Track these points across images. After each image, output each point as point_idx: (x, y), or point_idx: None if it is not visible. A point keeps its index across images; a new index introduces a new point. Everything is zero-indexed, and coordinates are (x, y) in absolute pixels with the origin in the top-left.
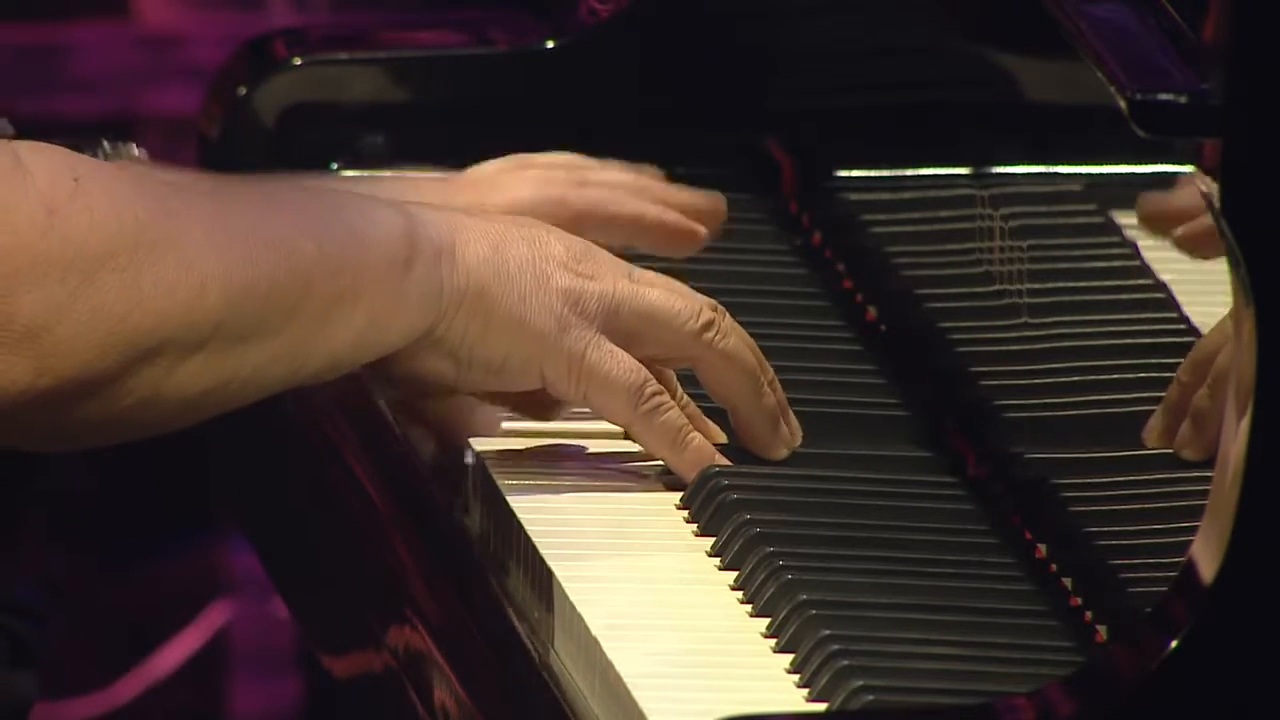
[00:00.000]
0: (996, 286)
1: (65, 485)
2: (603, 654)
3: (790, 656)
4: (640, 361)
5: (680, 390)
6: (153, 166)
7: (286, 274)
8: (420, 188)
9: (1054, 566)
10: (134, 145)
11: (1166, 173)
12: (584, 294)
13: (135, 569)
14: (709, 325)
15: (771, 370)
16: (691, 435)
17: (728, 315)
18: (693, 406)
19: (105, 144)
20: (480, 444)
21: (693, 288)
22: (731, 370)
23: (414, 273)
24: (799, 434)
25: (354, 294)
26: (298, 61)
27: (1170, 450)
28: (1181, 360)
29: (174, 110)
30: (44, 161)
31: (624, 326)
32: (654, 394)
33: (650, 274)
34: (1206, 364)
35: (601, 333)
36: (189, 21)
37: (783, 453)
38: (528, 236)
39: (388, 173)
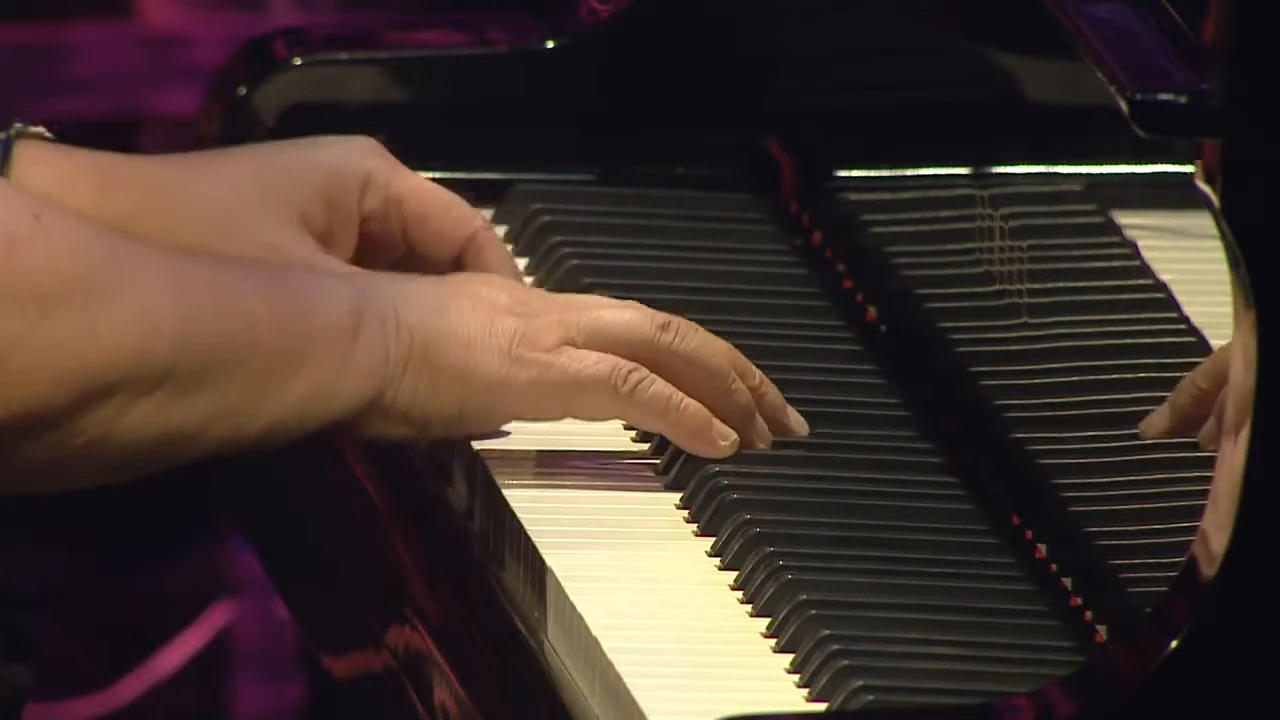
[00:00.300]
0: (996, 286)
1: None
2: (603, 654)
3: (790, 656)
4: None
5: (759, 374)
6: (63, 149)
7: (235, 329)
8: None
9: (1054, 566)
10: (42, 129)
11: (1166, 173)
12: (533, 329)
13: (137, 569)
14: (665, 328)
15: (757, 373)
16: (684, 403)
17: (685, 322)
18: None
19: (16, 125)
20: (480, 444)
21: (690, 288)
22: (695, 370)
23: (359, 341)
24: (803, 426)
25: (300, 357)
26: (298, 61)
27: (1166, 443)
28: (1181, 360)
29: (176, 111)
30: (6, 197)
31: (582, 344)
32: (629, 373)
33: (598, 298)
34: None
35: (560, 347)
36: (191, 22)
37: (763, 444)
38: (470, 291)
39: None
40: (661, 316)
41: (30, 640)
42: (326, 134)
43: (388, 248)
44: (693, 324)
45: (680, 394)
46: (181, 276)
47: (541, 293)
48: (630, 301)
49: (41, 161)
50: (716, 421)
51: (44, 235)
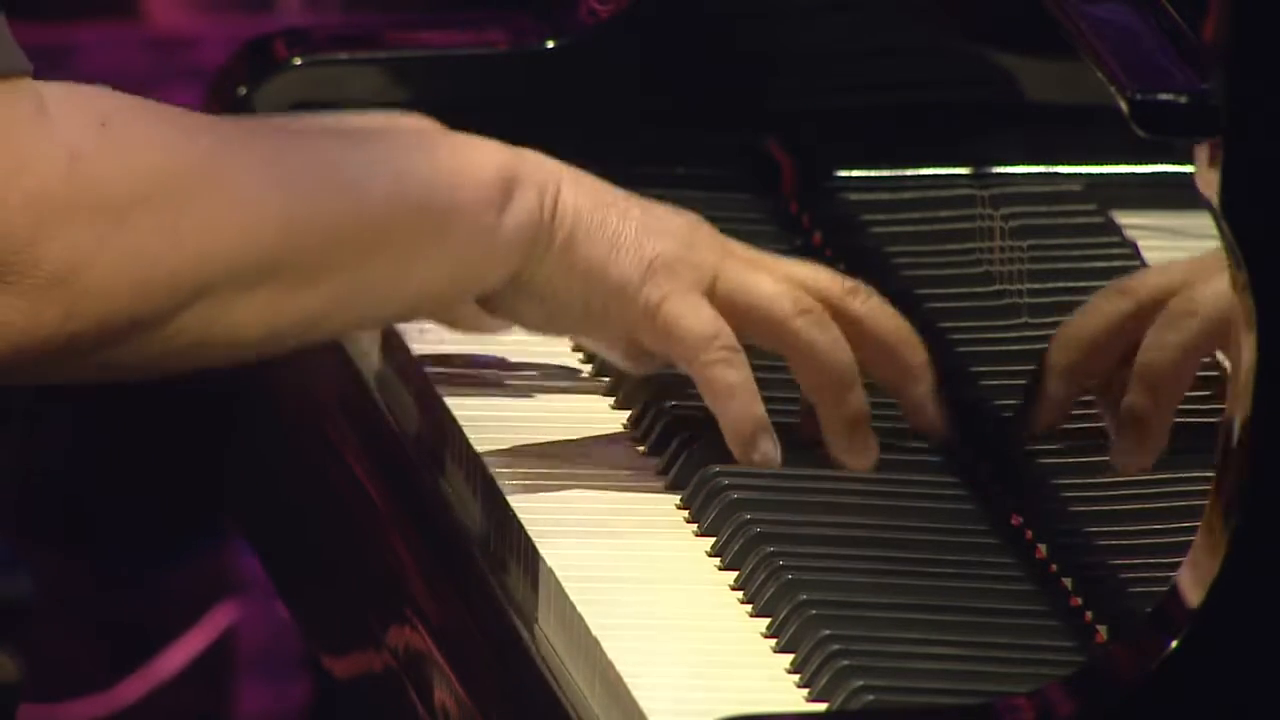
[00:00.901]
0: (996, 286)
1: (69, 485)
2: (603, 654)
3: (790, 656)
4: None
5: (927, 380)
6: None
7: (356, 214)
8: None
9: (1054, 566)
10: None
11: (1166, 173)
12: (682, 260)
13: (140, 570)
14: (802, 313)
15: (923, 355)
16: (747, 402)
17: (865, 296)
18: (855, 410)
19: None
20: (481, 444)
21: None
22: (810, 365)
23: (509, 212)
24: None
25: (441, 235)
26: (298, 61)
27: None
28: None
29: None
30: (70, 106)
31: (719, 302)
32: (722, 347)
33: (771, 259)
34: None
35: (696, 292)
36: (197, 23)
37: (862, 463)
38: (646, 204)
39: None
40: (805, 302)
41: (24, 635)
42: None
43: None
44: (863, 300)
45: (749, 390)
46: (291, 162)
47: (723, 236)
48: (809, 266)
49: None
50: (766, 435)
51: (112, 143)
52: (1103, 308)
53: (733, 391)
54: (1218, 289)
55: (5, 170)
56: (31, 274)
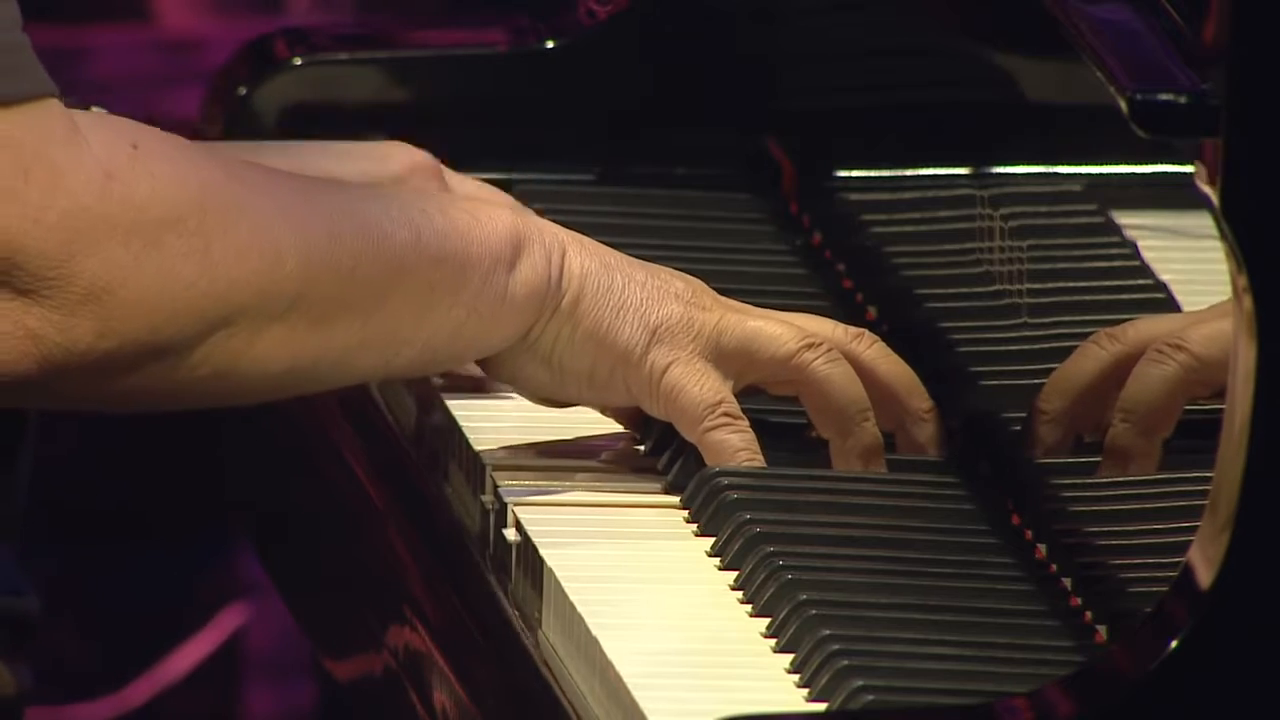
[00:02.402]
0: (996, 286)
1: (78, 487)
2: (603, 654)
3: (790, 656)
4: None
5: (928, 404)
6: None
7: (374, 257)
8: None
9: (1054, 566)
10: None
11: (1166, 173)
12: (688, 320)
13: (149, 572)
14: (808, 348)
15: (927, 401)
16: (746, 459)
17: (870, 342)
18: (869, 441)
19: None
20: (480, 443)
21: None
22: (823, 397)
23: (519, 272)
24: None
25: (455, 286)
26: (298, 61)
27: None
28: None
29: (192, 115)
30: (101, 130)
31: (728, 356)
32: (725, 414)
33: (770, 312)
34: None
35: (701, 357)
36: (208, 26)
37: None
38: (647, 266)
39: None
40: (810, 338)
41: (31, 639)
42: (326, 134)
43: None
44: (867, 346)
45: (750, 449)
46: (312, 203)
47: (724, 298)
48: (811, 317)
49: None
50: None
51: (144, 164)
52: (1092, 353)
53: (735, 452)
54: (1209, 331)
55: (42, 188)
56: (67, 289)
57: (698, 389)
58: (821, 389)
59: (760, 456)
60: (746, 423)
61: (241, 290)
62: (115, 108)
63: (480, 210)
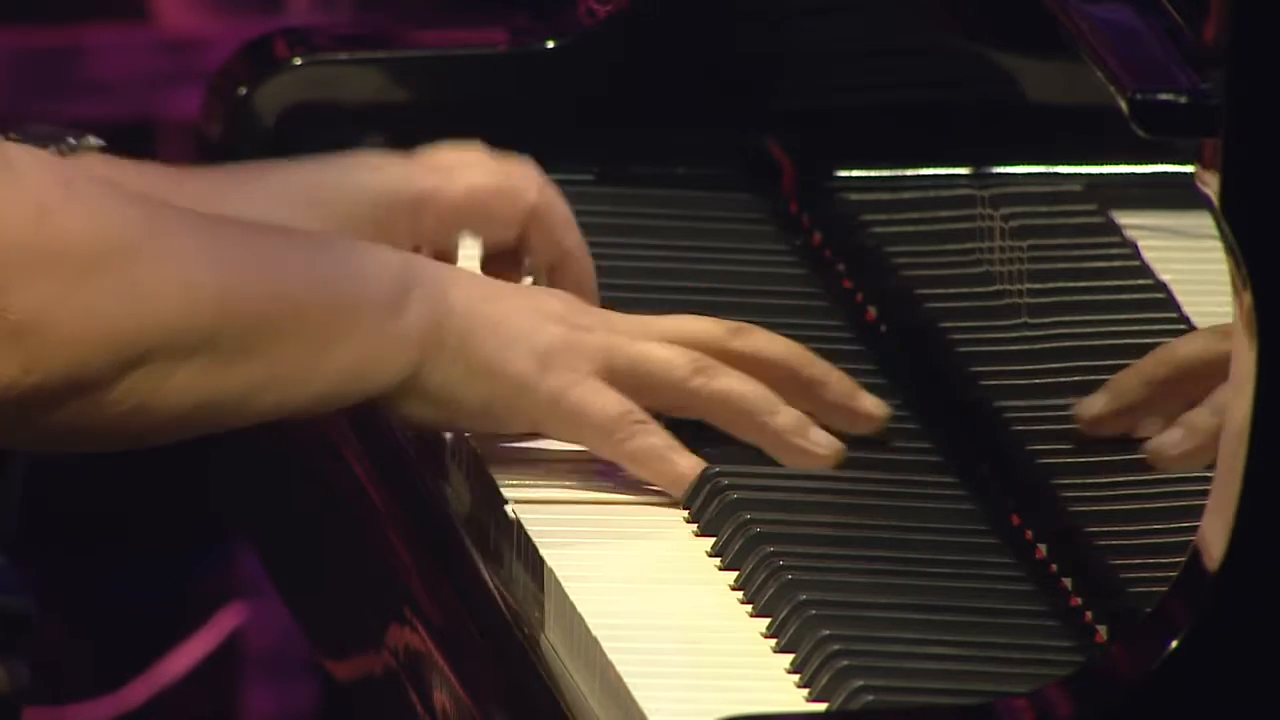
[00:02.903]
0: (996, 286)
1: (75, 487)
2: (603, 654)
3: (790, 656)
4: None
5: (824, 368)
6: (113, 165)
7: (275, 298)
8: (383, 165)
9: (1054, 566)
10: (92, 138)
11: (1166, 173)
12: (574, 342)
13: (147, 571)
14: (698, 372)
15: (822, 367)
16: (671, 460)
17: (748, 333)
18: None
19: (70, 139)
20: (480, 443)
21: (690, 288)
22: (729, 411)
23: (406, 315)
24: (880, 407)
25: (348, 328)
26: (298, 61)
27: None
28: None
29: (191, 115)
30: (35, 164)
31: (620, 377)
32: (634, 422)
33: (658, 322)
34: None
35: (595, 376)
36: (207, 25)
37: (825, 459)
38: (525, 291)
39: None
40: (700, 361)
41: (26, 637)
42: (326, 134)
43: (448, 257)
44: (747, 338)
45: (671, 445)
46: (223, 244)
47: (599, 310)
48: (688, 320)
49: (96, 172)
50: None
51: (76, 202)
52: (1208, 343)
53: (659, 453)
54: None
55: None
56: None
57: (600, 405)
58: (723, 406)
59: (685, 450)
60: (658, 425)
61: (160, 327)
62: (114, 108)
63: (369, 253)
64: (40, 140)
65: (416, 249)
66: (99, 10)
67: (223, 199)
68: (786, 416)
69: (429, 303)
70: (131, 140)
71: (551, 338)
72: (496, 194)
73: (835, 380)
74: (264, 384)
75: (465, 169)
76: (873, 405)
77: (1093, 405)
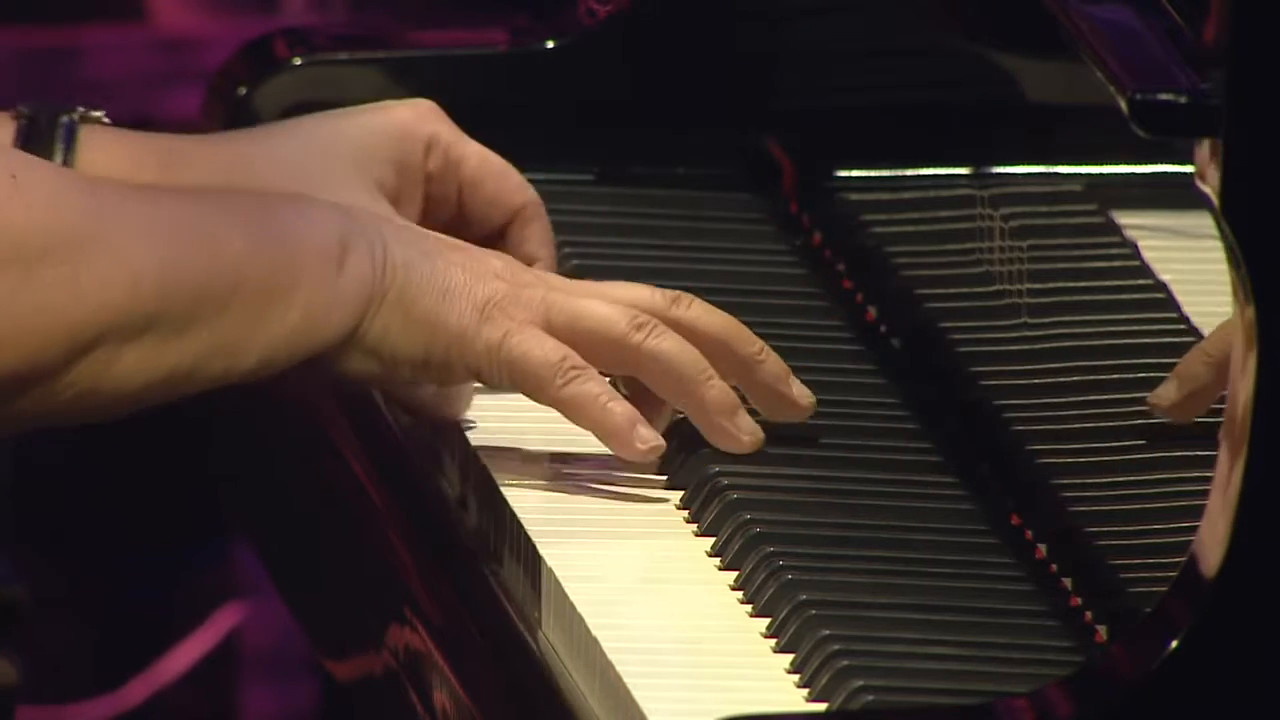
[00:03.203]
0: (996, 286)
1: (73, 486)
2: (603, 654)
3: (790, 656)
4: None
5: (759, 345)
6: (125, 132)
7: (216, 268)
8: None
9: (1054, 566)
10: (101, 113)
11: (1166, 173)
12: (512, 296)
13: (145, 570)
14: (637, 328)
15: (758, 344)
16: (609, 403)
17: (688, 303)
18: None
19: (79, 109)
20: (479, 442)
21: (690, 288)
22: (663, 372)
23: (346, 270)
24: (807, 397)
25: (289, 290)
26: (298, 61)
27: (1166, 443)
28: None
29: (188, 114)
30: None
31: (558, 331)
32: (572, 367)
33: (592, 285)
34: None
35: (533, 325)
36: (203, 25)
37: (743, 445)
38: (463, 248)
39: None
40: (638, 317)
41: (19, 627)
42: None
43: (441, 210)
44: (686, 307)
45: (609, 393)
46: (162, 220)
47: (536, 271)
48: (624, 291)
49: (105, 144)
50: (640, 425)
51: (22, 194)
52: None
53: (596, 399)
54: None
55: None
56: None
57: (539, 351)
58: (658, 364)
59: (622, 400)
60: (594, 370)
61: (106, 315)
62: (111, 107)
63: (307, 210)
64: (48, 113)
65: (426, 187)
66: (96, 10)
67: (247, 158)
68: (718, 391)
69: (369, 256)
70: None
71: (491, 290)
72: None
73: (770, 362)
74: (210, 352)
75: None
76: (800, 394)
77: (1166, 394)
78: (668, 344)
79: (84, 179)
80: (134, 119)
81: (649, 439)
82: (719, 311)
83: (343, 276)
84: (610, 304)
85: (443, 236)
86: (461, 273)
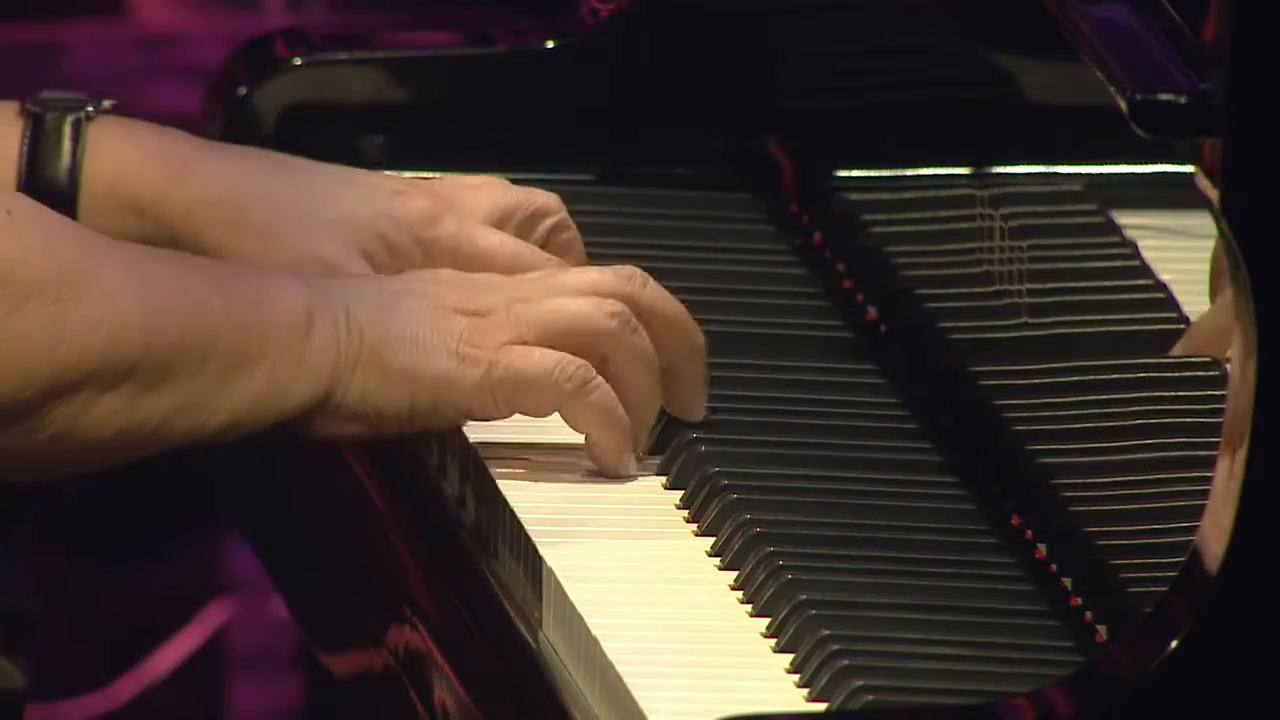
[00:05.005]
0: (996, 286)
1: (63, 484)
2: (603, 654)
3: (790, 656)
4: None
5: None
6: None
7: (195, 325)
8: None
9: (1054, 566)
10: (105, 101)
11: (1166, 173)
12: (482, 327)
13: (133, 568)
14: (613, 316)
15: (700, 335)
16: (621, 417)
17: (644, 282)
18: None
19: (88, 107)
20: (479, 442)
21: (690, 288)
22: (633, 368)
23: (312, 339)
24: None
25: (258, 354)
26: (298, 61)
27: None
28: (1181, 359)
29: (170, 109)
30: None
31: (538, 338)
32: (576, 369)
33: (550, 279)
34: None
35: (508, 345)
36: (184, 21)
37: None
38: (419, 290)
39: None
40: (616, 308)
41: (29, 635)
42: (326, 134)
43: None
44: (642, 285)
45: (620, 406)
46: (146, 273)
47: (490, 284)
48: (582, 273)
49: (114, 144)
50: (627, 454)
51: (15, 230)
52: None
53: (611, 412)
54: None
55: None
56: None
57: (529, 363)
58: (634, 360)
59: (623, 420)
60: (591, 368)
61: (90, 359)
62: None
63: (277, 279)
64: (59, 108)
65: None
66: (77, 7)
67: (248, 188)
68: (651, 411)
69: (332, 321)
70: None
71: (458, 330)
72: (509, 262)
73: (702, 360)
74: (177, 411)
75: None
76: (701, 400)
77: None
78: (640, 341)
79: (74, 225)
80: (115, 114)
81: (629, 467)
82: (672, 297)
83: (308, 345)
84: (578, 296)
85: (394, 283)
86: (424, 320)
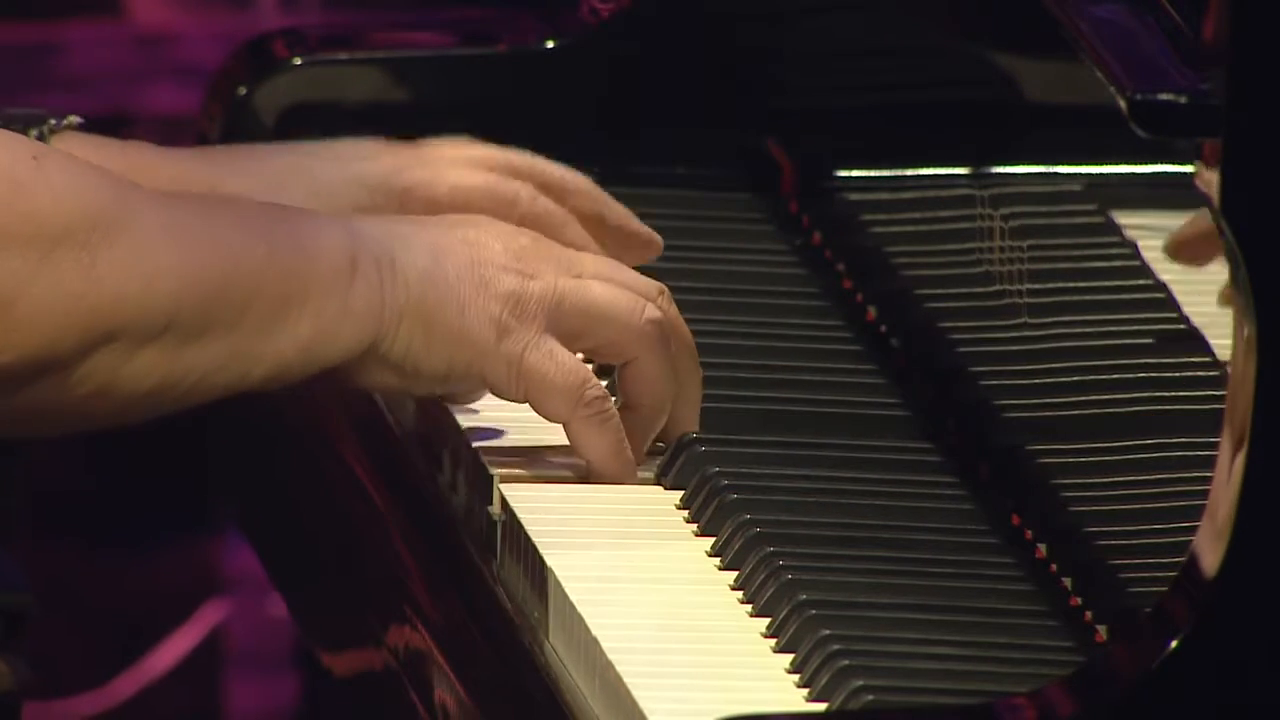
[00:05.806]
0: (996, 286)
1: (61, 481)
2: (603, 654)
3: (790, 656)
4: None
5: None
6: (99, 144)
7: (236, 273)
8: (376, 154)
9: (1054, 566)
10: (73, 116)
11: (1166, 173)
12: (524, 295)
13: (130, 566)
14: (652, 323)
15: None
16: (626, 448)
17: (669, 300)
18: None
19: (51, 120)
20: (479, 442)
21: (690, 288)
22: (649, 374)
23: (357, 286)
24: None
25: (301, 301)
26: (298, 61)
27: (1166, 443)
28: (1181, 360)
29: (166, 109)
30: (4, 139)
31: (567, 323)
32: (594, 397)
33: (598, 264)
34: None
35: (544, 332)
36: (180, 20)
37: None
38: (467, 240)
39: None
40: (651, 310)
41: (26, 632)
42: (326, 134)
43: None
44: (669, 307)
45: (627, 443)
46: (182, 223)
47: (538, 242)
48: (628, 275)
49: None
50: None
51: (45, 177)
52: None
53: (618, 443)
54: None
55: None
56: None
57: (557, 372)
58: (651, 365)
59: (626, 442)
60: (609, 400)
61: (124, 307)
62: (89, 103)
63: (319, 226)
64: (21, 122)
65: None
66: (73, 6)
67: (218, 179)
68: (659, 414)
69: (378, 270)
70: (107, 134)
71: (503, 294)
72: (484, 195)
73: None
74: (222, 361)
75: (454, 167)
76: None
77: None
78: (665, 354)
79: (106, 172)
80: (112, 114)
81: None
82: (684, 325)
83: (352, 291)
84: (621, 291)
85: (447, 221)
86: (469, 276)
